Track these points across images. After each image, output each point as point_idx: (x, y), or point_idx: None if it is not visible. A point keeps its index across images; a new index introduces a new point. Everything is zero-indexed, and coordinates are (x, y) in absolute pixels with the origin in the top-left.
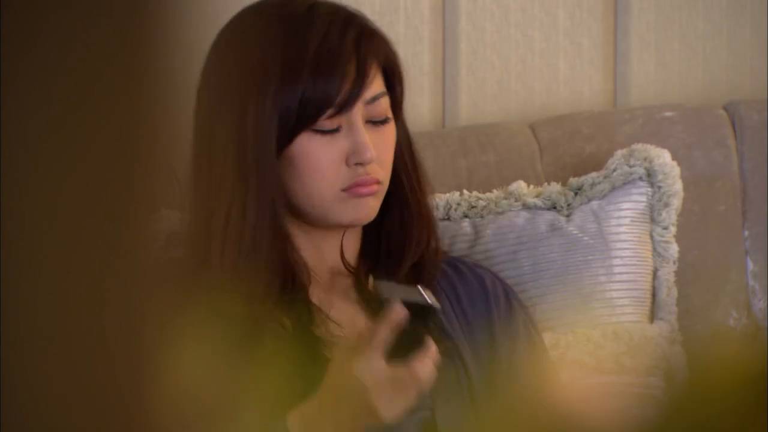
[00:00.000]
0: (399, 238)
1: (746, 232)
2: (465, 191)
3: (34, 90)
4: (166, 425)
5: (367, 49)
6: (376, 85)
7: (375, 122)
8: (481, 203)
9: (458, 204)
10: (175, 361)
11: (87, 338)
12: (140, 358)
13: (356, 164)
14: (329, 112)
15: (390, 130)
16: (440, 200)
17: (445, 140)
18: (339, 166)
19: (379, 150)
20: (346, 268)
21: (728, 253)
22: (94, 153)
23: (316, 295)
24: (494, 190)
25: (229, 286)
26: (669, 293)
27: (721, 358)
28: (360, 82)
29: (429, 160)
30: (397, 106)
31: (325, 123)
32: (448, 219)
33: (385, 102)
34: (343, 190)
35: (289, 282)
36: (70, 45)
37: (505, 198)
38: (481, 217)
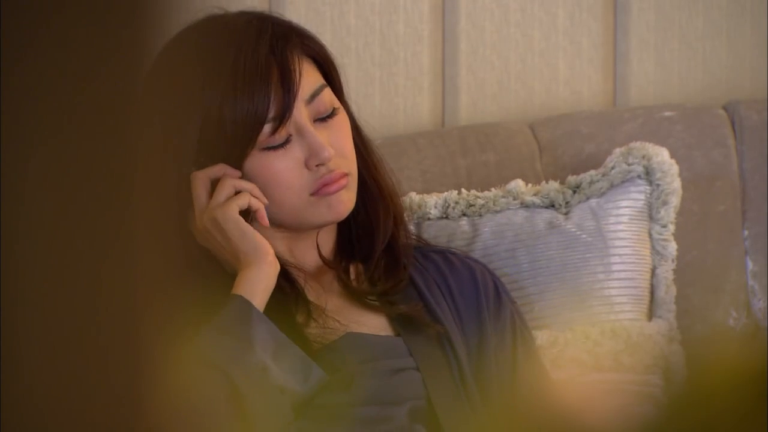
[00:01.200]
0: (366, 219)
1: (746, 232)
2: (463, 190)
3: (32, 90)
4: (165, 424)
5: (286, 52)
6: (310, 81)
7: (323, 118)
8: (480, 202)
9: (456, 202)
10: (173, 360)
11: (86, 338)
12: (139, 358)
13: (317, 166)
14: (267, 128)
15: (342, 120)
16: (438, 199)
17: (444, 140)
18: (301, 173)
19: (336, 143)
20: (326, 264)
21: (728, 253)
22: (92, 154)
23: (312, 293)
24: (493, 189)
25: (223, 288)
26: (667, 291)
27: (721, 358)
28: (289, 87)
29: (429, 159)
30: (338, 92)
31: (270, 140)
32: (446, 217)
33: (327, 94)
34: (312, 194)
35: (284, 282)
36: (69, 46)
37: (504, 196)
38: (480, 215)
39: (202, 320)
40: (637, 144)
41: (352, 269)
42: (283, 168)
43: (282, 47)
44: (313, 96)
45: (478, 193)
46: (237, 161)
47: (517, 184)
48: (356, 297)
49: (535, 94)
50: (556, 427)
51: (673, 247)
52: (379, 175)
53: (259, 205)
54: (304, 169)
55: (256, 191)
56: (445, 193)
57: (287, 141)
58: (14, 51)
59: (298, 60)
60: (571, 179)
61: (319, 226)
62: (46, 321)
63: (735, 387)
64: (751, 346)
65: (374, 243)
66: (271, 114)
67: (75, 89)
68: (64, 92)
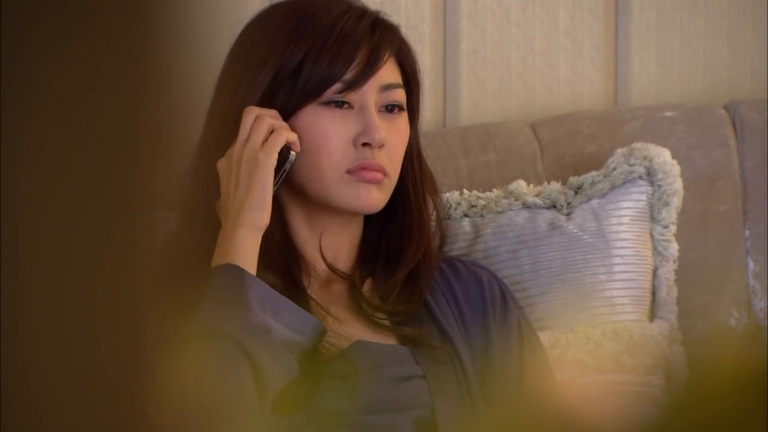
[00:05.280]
0: (398, 246)
1: (747, 232)
2: (465, 190)
3: (33, 88)
4: (165, 424)
5: (382, 37)
6: (390, 73)
7: (389, 110)
8: (481, 202)
9: (458, 203)
10: (174, 360)
11: (87, 338)
12: (140, 357)
13: (364, 145)
14: (336, 86)
15: (403, 121)
16: None
17: (445, 140)
18: (346, 146)
19: (389, 139)
20: (335, 272)
21: (729, 253)
22: (93, 153)
23: (315, 292)
24: (494, 190)
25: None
26: (669, 292)
27: (722, 358)
28: (372, 64)
29: (430, 159)
30: (413, 110)
31: (333, 96)
32: (448, 218)
33: (400, 94)
34: (348, 172)
35: (288, 276)
36: (70, 43)
37: (505, 197)
38: (481, 216)
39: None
40: (638, 145)
41: (366, 284)
42: (333, 133)
43: (381, 35)
44: (388, 87)
45: (480, 194)
46: (294, 107)
47: (519, 185)
48: (364, 312)
49: (536, 94)
50: (554, 427)
51: (674, 247)
52: (425, 205)
53: (295, 137)
54: (351, 145)
55: (293, 136)
56: (447, 193)
57: (346, 106)
58: (14, 51)
59: (389, 52)
60: (573, 180)
61: (339, 211)
62: (47, 318)
63: (736, 387)
64: (752, 346)
65: (398, 268)
66: (347, 76)
67: (76, 88)
68: (65, 91)
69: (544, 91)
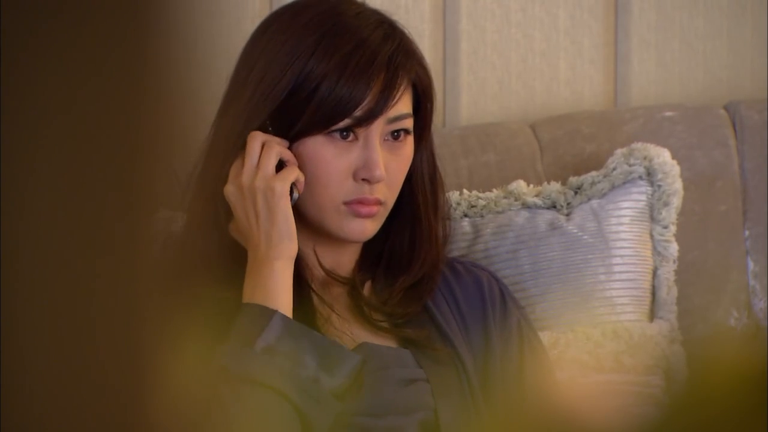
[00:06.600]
0: (402, 258)
1: (747, 232)
2: (465, 190)
3: (33, 88)
4: (166, 425)
5: (399, 69)
6: (402, 104)
7: (394, 137)
8: (481, 202)
9: (458, 203)
10: (174, 360)
11: (86, 338)
12: (140, 357)
13: (363, 180)
14: (345, 122)
15: (407, 147)
16: None
17: (445, 140)
18: (345, 179)
19: (390, 169)
20: (334, 278)
21: (729, 253)
22: (93, 153)
23: (317, 291)
24: (494, 190)
25: (228, 281)
26: (669, 292)
27: (722, 358)
28: (384, 102)
29: None
30: (425, 127)
31: (340, 129)
32: (448, 218)
33: (407, 123)
34: (345, 203)
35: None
36: (71, 43)
37: (505, 197)
38: (481, 216)
39: (221, 319)
40: (638, 145)
41: (366, 287)
42: (334, 165)
43: (398, 63)
44: (395, 119)
45: (480, 194)
46: (299, 134)
47: (519, 185)
48: (365, 314)
49: (536, 95)
50: (554, 428)
51: (674, 247)
52: (435, 217)
53: (302, 177)
54: (350, 178)
55: (302, 175)
56: (447, 193)
57: (352, 139)
58: (14, 51)
59: (405, 83)
60: (573, 180)
61: (333, 237)
62: (47, 318)
63: (736, 387)
64: (752, 347)
65: (400, 279)
66: (358, 113)
67: (76, 87)
68: (65, 91)
69: (544, 91)
